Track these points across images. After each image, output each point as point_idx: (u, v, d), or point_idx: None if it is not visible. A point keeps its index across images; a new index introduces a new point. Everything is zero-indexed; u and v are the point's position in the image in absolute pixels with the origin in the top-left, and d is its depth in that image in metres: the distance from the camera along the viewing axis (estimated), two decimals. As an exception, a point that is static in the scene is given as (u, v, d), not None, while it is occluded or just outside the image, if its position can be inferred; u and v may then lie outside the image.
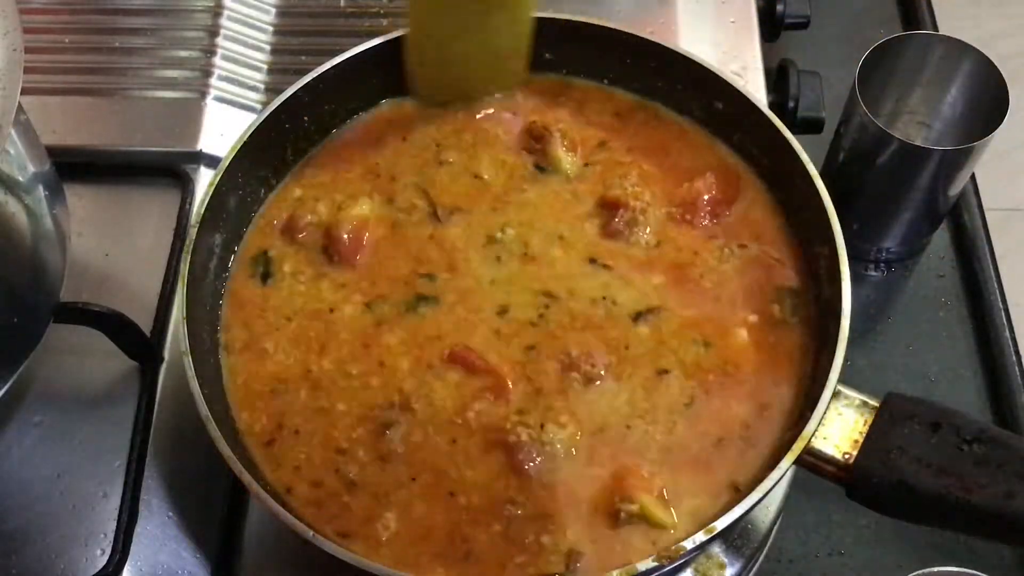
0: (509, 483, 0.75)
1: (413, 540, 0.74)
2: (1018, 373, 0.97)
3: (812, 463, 0.72)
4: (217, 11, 1.07)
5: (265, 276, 0.84)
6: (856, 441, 0.71)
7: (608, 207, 0.86)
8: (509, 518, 0.74)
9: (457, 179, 0.88)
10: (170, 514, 0.84)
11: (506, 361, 0.79)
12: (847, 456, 0.71)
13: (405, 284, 0.84)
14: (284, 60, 1.07)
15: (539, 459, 0.75)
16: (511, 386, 0.78)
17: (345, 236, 0.85)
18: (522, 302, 0.82)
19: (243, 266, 0.85)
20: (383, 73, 0.91)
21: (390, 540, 0.73)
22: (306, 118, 0.89)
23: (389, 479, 0.76)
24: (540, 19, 0.90)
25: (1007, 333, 0.99)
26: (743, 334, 0.80)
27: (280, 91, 0.87)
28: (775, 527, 0.87)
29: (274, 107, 0.86)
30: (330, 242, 0.85)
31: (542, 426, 0.76)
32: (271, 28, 1.09)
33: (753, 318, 0.81)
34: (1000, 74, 0.91)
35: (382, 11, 1.09)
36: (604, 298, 0.82)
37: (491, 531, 0.74)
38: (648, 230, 0.85)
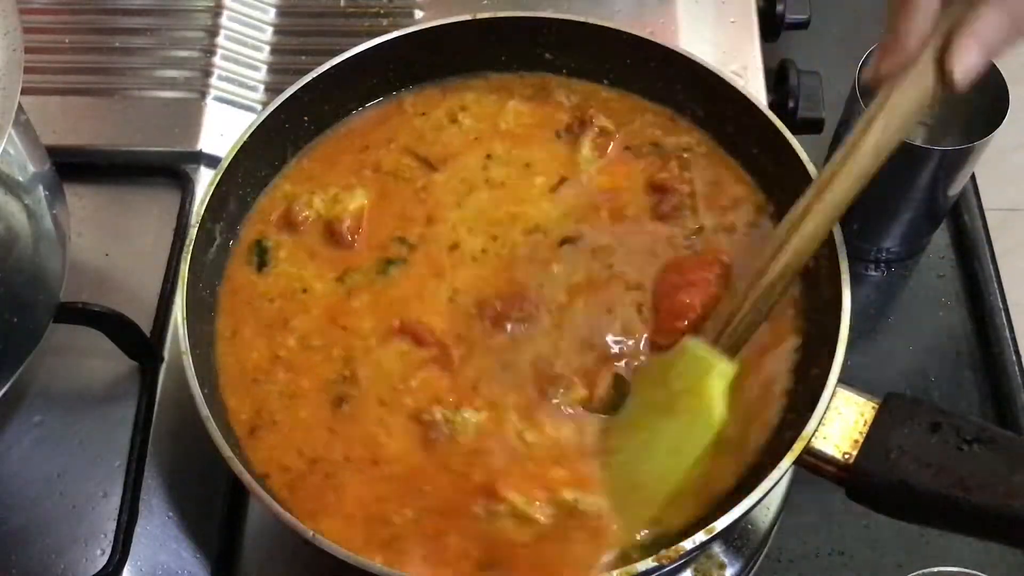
0: (421, 465, 0.75)
1: (349, 522, 0.74)
2: (1018, 373, 0.97)
3: (812, 463, 0.72)
4: (217, 11, 1.07)
5: (261, 265, 0.85)
6: (856, 441, 0.71)
7: (656, 191, 0.86)
8: (422, 507, 0.74)
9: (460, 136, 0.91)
10: (170, 514, 0.84)
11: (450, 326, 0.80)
12: (847, 456, 0.71)
13: (381, 249, 0.85)
14: (284, 60, 1.07)
15: (448, 439, 0.76)
16: (456, 358, 0.79)
17: (345, 228, 0.85)
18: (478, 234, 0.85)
19: (240, 255, 0.86)
20: (383, 73, 0.91)
21: (340, 522, 0.73)
22: (306, 118, 0.89)
23: (337, 455, 0.76)
24: (541, 19, 0.90)
25: (1007, 333, 0.99)
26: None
27: (280, 91, 0.87)
28: (775, 527, 0.87)
29: (274, 107, 0.86)
30: (331, 234, 0.86)
31: (457, 406, 0.77)
32: (271, 28, 1.09)
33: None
34: (1000, 74, 0.91)
35: (382, 11, 1.09)
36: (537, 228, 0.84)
37: (404, 516, 0.74)
38: (696, 213, 0.85)
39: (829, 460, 0.71)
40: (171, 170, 0.98)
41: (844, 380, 0.73)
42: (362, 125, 0.92)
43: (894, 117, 0.67)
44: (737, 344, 0.72)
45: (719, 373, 0.69)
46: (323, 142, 0.91)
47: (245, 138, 0.84)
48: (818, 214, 0.69)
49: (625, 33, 0.89)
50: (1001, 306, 1.00)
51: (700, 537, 0.68)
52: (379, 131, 0.91)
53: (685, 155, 0.88)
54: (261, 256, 0.85)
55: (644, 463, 0.72)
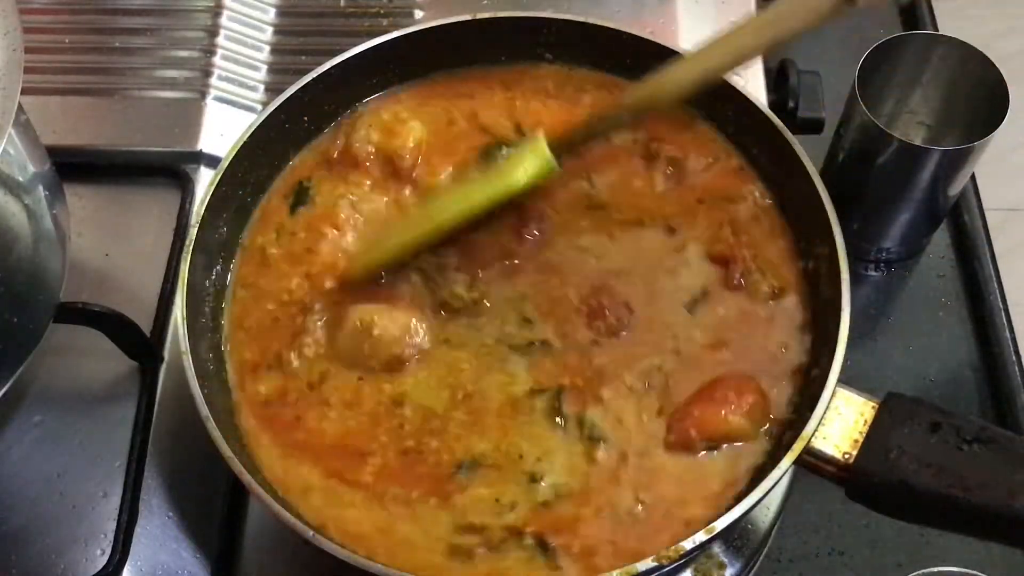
0: None
1: None
2: (1018, 373, 0.96)
3: (812, 463, 0.72)
4: (217, 11, 1.07)
5: (296, 204, 0.86)
6: (856, 441, 0.71)
7: (719, 262, 0.83)
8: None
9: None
10: (170, 514, 0.84)
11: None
12: (847, 456, 0.71)
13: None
14: (284, 60, 1.07)
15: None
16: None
17: (407, 159, 0.87)
18: None
19: (275, 198, 0.87)
20: (382, 73, 0.91)
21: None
22: (306, 118, 0.89)
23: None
24: (541, 19, 0.90)
25: (1007, 333, 0.99)
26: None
27: (280, 91, 0.87)
28: (775, 527, 0.87)
29: (274, 107, 0.86)
30: (393, 169, 0.87)
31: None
32: (271, 28, 1.09)
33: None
34: (1000, 74, 0.91)
35: (382, 11, 1.09)
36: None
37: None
38: (767, 275, 0.82)
39: (829, 460, 0.71)
40: (171, 170, 0.98)
41: (844, 380, 0.73)
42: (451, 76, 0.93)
43: (772, 25, 0.75)
44: (565, 145, 0.81)
45: (535, 152, 0.79)
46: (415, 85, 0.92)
47: (245, 138, 0.84)
48: (676, 73, 0.78)
49: (625, 33, 0.89)
50: (1001, 306, 1.00)
51: (700, 537, 0.68)
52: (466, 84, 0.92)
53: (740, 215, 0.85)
54: (299, 196, 0.86)
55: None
